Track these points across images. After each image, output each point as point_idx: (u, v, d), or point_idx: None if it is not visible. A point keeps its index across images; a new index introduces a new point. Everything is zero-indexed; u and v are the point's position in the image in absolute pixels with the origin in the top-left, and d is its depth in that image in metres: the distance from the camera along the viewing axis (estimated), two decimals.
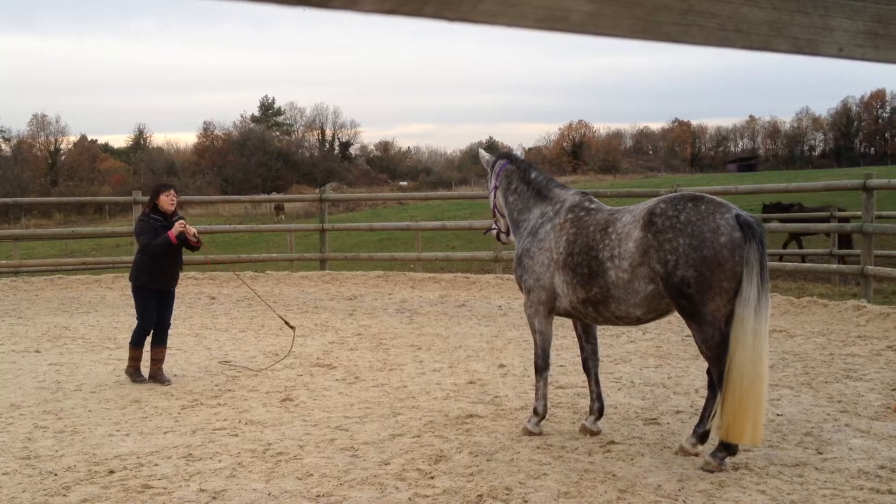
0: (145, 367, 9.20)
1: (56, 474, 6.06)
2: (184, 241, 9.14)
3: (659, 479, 5.73)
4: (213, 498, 5.55)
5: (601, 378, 7.04)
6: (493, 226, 7.61)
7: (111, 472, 6.11)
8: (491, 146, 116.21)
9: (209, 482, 5.84)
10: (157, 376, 9.03)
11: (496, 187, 7.31)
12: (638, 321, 6.34)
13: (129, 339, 9.48)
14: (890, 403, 7.49)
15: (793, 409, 7.48)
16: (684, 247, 5.74)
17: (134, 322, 9.27)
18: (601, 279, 6.17)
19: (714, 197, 6.03)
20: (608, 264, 6.13)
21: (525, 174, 7.15)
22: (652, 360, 9.66)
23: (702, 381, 8.56)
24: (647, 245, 5.92)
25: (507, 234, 7.45)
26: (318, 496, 5.53)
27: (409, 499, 5.46)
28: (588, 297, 6.30)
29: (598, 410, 6.88)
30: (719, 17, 0.99)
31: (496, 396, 8.16)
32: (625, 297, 6.10)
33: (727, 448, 5.84)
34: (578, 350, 7.17)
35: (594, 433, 6.79)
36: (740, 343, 5.67)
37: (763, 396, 5.69)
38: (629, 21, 0.92)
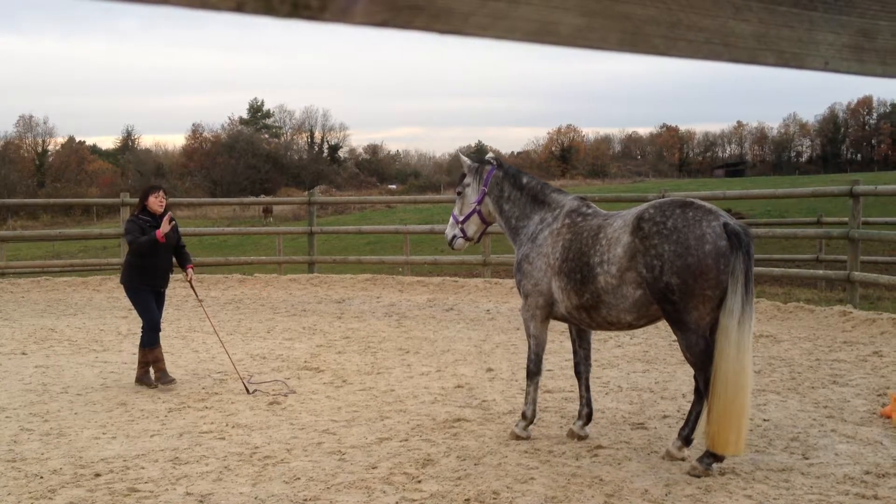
0: (132, 371, 9.16)
1: (42, 477, 6.04)
2: (175, 244, 9.18)
3: (646, 483, 5.75)
4: (200, 501, 5.54)
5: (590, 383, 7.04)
6: (458, 232, 7.41)
7: (97, 475, 6.08)
8: (480, 150, 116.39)
9: (196, 486, 5.83)
10: (160, 377, 8.96)
11: (485, 194, 7.23)
12: (630, 326, 6.33)
13: (137, 343, 9.33)
14: (876, 409, 7.53)
15: (779, 414, 7.51)
16: (669, 253, 5.73)
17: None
18: (592, 284, 6.17)
19: (704, 203, 6.00)
20: (598, 269, 6.13)
21: (516, 180, 7.09)
22: (639, 365, 9.68)
23: (689, 385, 8.58)
24: (635, 250, 5.92)
25: (468, 239, 7.41)
26: (306, 500, 5.53)
27: (397, 503, 5.46)
28: (581, 303, 6.30)
29: (586, 416, 6.88)
30: (707, 31, 1.00)
31: (484, 400, 8.17)
32: (614, 302, 6.09)
33: (714, 454, 5.85)
34: (571, 354, 7.17)
35: (582, 438, 6.80)
36: (724, 354, 5.66)
37: (746, 407, 5.69)
38: (618, 35, 0.93)
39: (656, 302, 5.89)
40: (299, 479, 5.94)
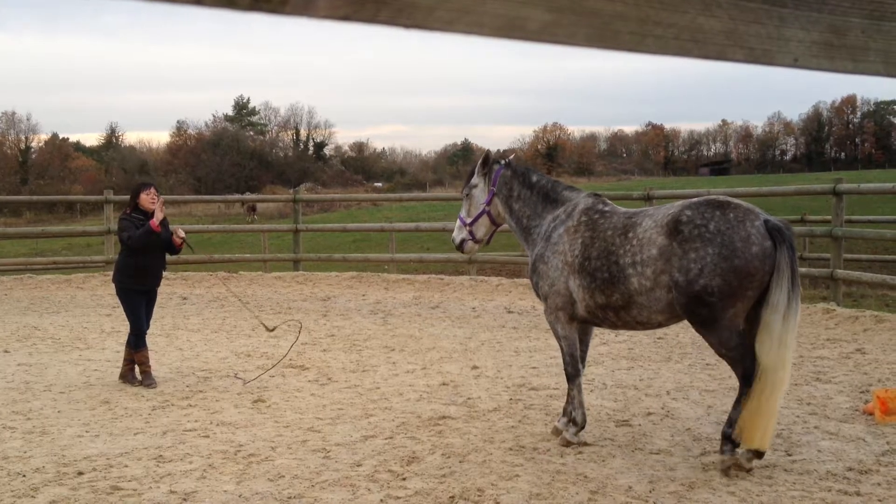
0: (115, 369, 9.11)
1: (24, 476, 6.00)
2: (168, 241, 9.09)
3: (630, 480, 5.77)
4: (184, 500, 5.52)
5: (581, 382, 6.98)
6: (467, 234, 7.27)
7: (80, 473, 6.05)
8: (466, 148, 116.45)
9: (179, 484, 5.81)
10: (143, 378, 8.93)
11: (493, 194, 7.07)
12: (659, 325, 6.21)
13: (124, 342, 9.30)
14: (859, 406, 7.58)
15: None
16: (713, 256, 5.57)
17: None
18: (622, 285, 5.99)
19: (741, 202, 5.87)
20: (630, 270, 5.95)
21: (526, 179, 6.95)
22: (624, 363, 9.71)
23: (673, 383, 8.62)
24: (671, 253, 5.75)
25: (477, 241, 7.29)
26: (290, 498, 5.52)
27: (381, 500, 5.46)
28: (609, 303, 6.12)
29: (570, 413, 6.78)
30: (675, 27, 0.99)
31: (469, 398, 8.17)
32: (647, 303, 5.94)
33: (733, 442, 5.81)
34: (556, 351, 7.11)
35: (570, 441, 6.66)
36: (764, 349, 5.56)
37: (777, 405, 5.64)
38: (586, 30, 0.93)
39: (687, 305, 5.72)
40: (284, 477, 5.93)
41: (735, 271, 5.55)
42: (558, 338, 6.72)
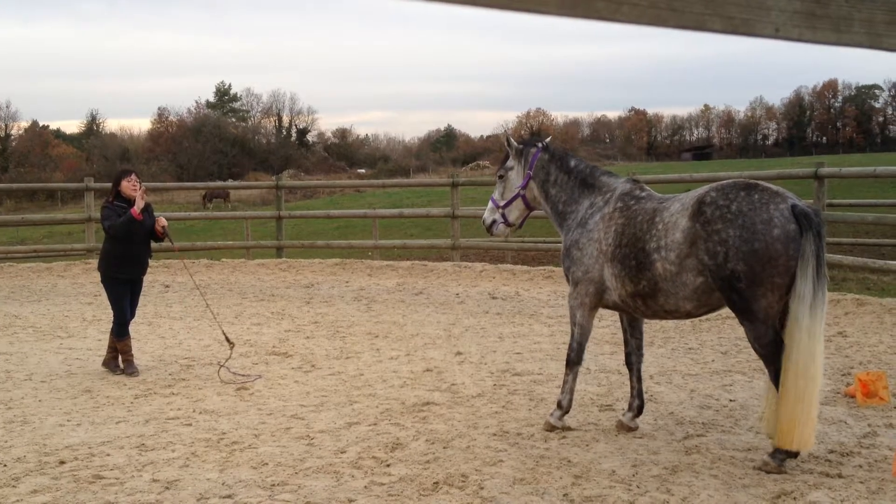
0: (97, 357, 9.04)
1: (5, 465, 5.96)
2: (152, 228, 9.01)
3: (613, 464, 5.78)
4: (166, 488, 5.49)
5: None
6: (499, 217, 7.13)
7: (62, 462, 6.01)
8: (449, 134, 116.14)
9: (162, 472, 5.78)
10: (125, 367, 8.87)
11: (530, 178, 6.93)
12: (689, 315, 6.09)
13: (108, 331, 9.21)
14: (840, 389, 7.62)
15: (745, 394, 7.58)
16: (734, 239, 5.45)
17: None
18: (648, 272, 5.90)
19: (769, 185, 5.71)
20: (655, 256, 5.87)
21: (563, 163, 6.84)
22: (608, 347, 9.73)
23: (656, 367, 8.65)
24: (696, 236, 5.65)
25: (509, 225, 7.18)
26: (273, 485, 5.50)
27: (366, 487, 5.45)
28: (637, 291, 6.03)
29: (637, 408, 6.62)
30: None
31: (453, 384, 8.16)
32: (673, 290, 5.83)
33: (787, 450, 5.59)
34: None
35: (632, 429, 6.56)
36: (795, 342, 5.40)
37: (815, 400, 5.43)
38: None
39: (720, 291, 5.63)
40: (267, 464, 5.91)
41: (756, 255, 5.41)
42: (573, 323, 6.65)
